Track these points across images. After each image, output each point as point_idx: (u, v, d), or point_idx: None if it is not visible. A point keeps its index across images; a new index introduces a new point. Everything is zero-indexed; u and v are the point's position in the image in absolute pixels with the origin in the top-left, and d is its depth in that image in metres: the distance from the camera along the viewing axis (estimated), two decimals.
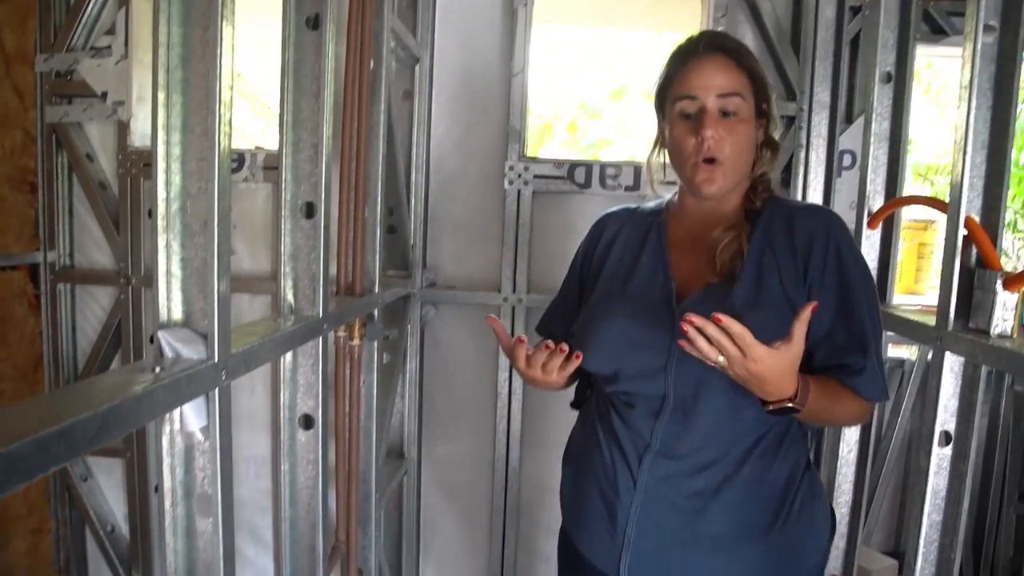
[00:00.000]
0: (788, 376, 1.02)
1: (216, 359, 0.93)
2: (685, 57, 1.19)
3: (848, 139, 2.27)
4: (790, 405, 1.04)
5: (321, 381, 1.36)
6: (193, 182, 0.93)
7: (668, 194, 1.34)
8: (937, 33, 2.47)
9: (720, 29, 2.11)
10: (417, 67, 2.13)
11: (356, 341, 1.70)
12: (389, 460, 2.29)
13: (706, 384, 1.13)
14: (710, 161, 1.15)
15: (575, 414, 1.40)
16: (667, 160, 1.27)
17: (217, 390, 0.94)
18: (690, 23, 2.33)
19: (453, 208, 2.39)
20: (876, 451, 2.64)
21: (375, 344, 1.84)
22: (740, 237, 1.17)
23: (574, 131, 5.83)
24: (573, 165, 2.31)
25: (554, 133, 7.35)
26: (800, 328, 0.99)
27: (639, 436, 1.18)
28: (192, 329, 0.95)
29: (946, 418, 1.30)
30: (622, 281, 1.25)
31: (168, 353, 0.93)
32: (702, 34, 1.23)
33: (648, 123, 1.33)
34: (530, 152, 2.36)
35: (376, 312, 1.82)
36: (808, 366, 1.13)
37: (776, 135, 1.25)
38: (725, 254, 1.16)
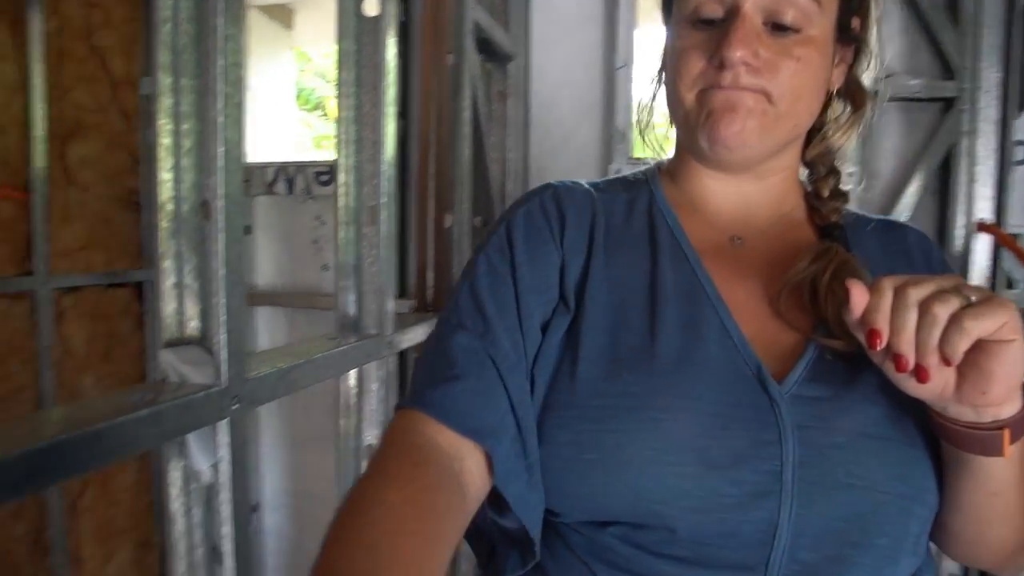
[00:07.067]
0: None
1: (224, 384, 0.79)
2: None
3: (1023, 128, 1.89)
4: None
5: (384, 409, 1.22)
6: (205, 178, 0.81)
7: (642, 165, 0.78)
8: None
9: None
10: (511, 66, 1.97)
11: None
12: None
13: (861, 530, 0.56)
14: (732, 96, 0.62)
15: None
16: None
17: (225, 422, 0.80)
18: None
19: None
20: None
21: None
22: (850, 270, 0.63)
23: None
24: None
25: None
26: None
27: None
28: (205, 348, 0.83)
29: None
30: (641, 331, 0.61)
31: (172, 376, 0.80)
32: None
33: None
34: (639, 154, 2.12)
35: None
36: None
37: (868, 79, 0.70)
38: (836, 304, 0.61)
